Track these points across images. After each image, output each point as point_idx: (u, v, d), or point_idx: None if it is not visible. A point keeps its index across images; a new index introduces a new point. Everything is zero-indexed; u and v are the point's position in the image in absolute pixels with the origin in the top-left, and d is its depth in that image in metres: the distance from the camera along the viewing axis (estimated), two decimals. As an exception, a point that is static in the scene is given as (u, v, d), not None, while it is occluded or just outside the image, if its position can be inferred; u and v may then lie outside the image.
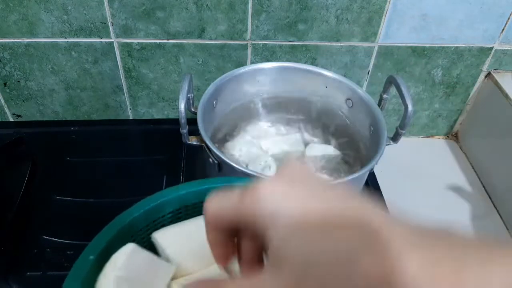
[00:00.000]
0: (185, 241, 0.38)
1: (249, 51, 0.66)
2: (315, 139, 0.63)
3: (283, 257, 0.20)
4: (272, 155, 0.58)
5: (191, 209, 0.42)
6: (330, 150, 0.59)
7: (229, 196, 0.24)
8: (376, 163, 0.48)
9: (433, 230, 0.19)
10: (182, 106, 0.48)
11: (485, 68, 0.70)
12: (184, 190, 0.40)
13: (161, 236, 0.38)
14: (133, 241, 0.37)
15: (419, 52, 0.67)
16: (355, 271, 0.17)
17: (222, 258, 0.26)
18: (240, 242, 0.25)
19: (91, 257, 0.33)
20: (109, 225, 0.37)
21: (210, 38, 0.65)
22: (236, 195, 0.23)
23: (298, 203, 0.21)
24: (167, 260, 0.37)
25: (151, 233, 0.39)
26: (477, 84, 0.72)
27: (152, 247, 0.39)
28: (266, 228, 0.21)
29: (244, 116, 0.62)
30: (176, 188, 0.40)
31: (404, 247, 0.17)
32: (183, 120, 0.48)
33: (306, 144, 0.61)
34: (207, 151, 0.49)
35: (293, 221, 0.20)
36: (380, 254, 0.17)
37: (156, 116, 0.76)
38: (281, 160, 0.58)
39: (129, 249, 0.35)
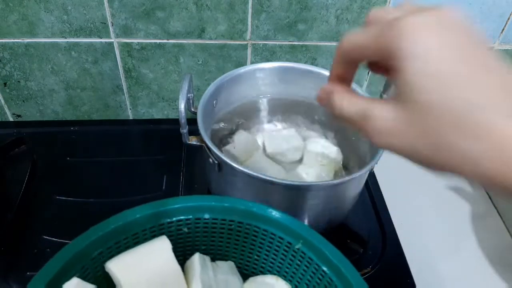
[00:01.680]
0: (140, 269, 0.36)
1: (249, 51, 0.66)
2: (314, 133, 0.63)
3: (414, 95, 0.21)
4: (270, 153, 0.58)
5: (149, 233, 0.40)
6: (332, 149, 0.59)
7: (366, 30, 0.24)
8: (376, 163, 0.48)
9: None
10: (182, 106, 0.48)
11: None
12: (137, 214, 0.39)
13: (115, 266, 0.36)
14: (86, 269, 0.36)
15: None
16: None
17: (339, 79, 0.29)
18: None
19: (42, 286, 0.32)
20: (61, 252, 0.35)
21: (210, 38, 0.65)
22: (379, 27, 0.23)
23: (447, 56, 0.21)
24: None
25: (106, 259, 0.38)
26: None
27: (107, 275, 0.37)
28: (406, 63, 0.21)
29: (244, 116, 0.62)
30: (129, 213, 0.39)
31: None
32: (183, 120, 0.48)
33: (304, 139, 0.61)
34: (207, 151, 0.49)
35: (438, 72, 0.21)
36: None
37: (156, 116, 0.76)
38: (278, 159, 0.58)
39: (73, 284, 0.34)
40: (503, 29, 0.65)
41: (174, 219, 0.40)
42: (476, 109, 0.20)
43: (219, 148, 0.51)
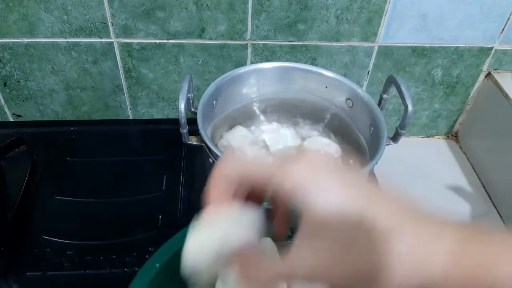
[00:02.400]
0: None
1: (249, 51, 0.66)
2: (314, 133, 0.63)
3: (320, 234, 0.23)
4: (272, 151, 0.58)
5: None
6: (329, 143, 0.59)
7: (258, 163, 0.27)
8: (376, 163, 0.48)
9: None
10: (182, 106, 0.48)
11: (485, 68, 0.70)
12: None
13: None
14: None
15: (419, 52, 0.67)
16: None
17: (218, 201, 0.29)
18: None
19: (157, 265, 0.34)
20: (179, 234, 0.36)
21: (210, 38, 0.65)
22: (269, 167, 0.26)
23: (334, 194, 0.23)
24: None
25: None
26: (477, 84, 0.72)
27: None
28: (300, 204, 0.24)
29: (244, 116, 0.62)
30: None
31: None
32: (183, 120, 0.48)
33: (304, 138, 0.61)
34: (207, 151, 0.49)
35: (329, 212, 0.23)
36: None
37: (156, 116, 0.76)
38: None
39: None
40: (503, 29, 0.65)
41: None
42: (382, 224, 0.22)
43: (219, 148, 0.51)
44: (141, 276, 0.33)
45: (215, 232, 0.28)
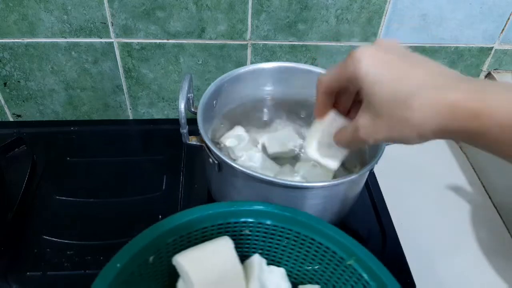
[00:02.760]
0: (205, 263, 0.39)
1: (249, 51, 0.66)
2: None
3: (371, 98, 0.33)
4: (271, 153, 0.58)
5: (216, 229, 0.43)
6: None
7: (334, 68, 0.37)
8: (376, 163, 0.48)
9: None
10: (182, 106, 0.48)
11: (485, 68, 0.70)
12: (211, 210, 0.42)
13: (183, 259, 0.39)
14: (160, 253, 0.39)
15: (419, 52, 0.67)
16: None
17: (323, 112, 0.41)
18: (341, 98, 0.41)
19: (118, 265, 0.35)
20: (139, 236, 0.38)
21: (210, 38, 0.65)
22: (341, 64, 0.35)
23: (385, 69, 0.33)
24: (190, 284, 0.38)
25: (176, 248, 0.40)
26: (477, 84, 0.72)
27: (173, 267, 0.40)
28: (362, 82, 0.33)
29: (244, 116, 0.62)
30: (204, 208, 0.41)
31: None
32: (183, 120, 0.48)
33: (303, 139, 0.61)
34: (207, 151, 0.49)
35: (378, 81, 0.33)
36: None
37: (156, 116, 0.76)
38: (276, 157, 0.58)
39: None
40: (503, 29, 0.65)
41: (240, 219, 0.43)
42: (404, 93, 0.31)
43: (219, 148, 0.51)
44: (102, 276, 0.34)
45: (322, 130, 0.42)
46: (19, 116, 0.73)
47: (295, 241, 0.44)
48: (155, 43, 0.65)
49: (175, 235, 0.40)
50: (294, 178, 0.53)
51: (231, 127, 0.61)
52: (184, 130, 0.50)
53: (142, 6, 0.61)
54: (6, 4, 0.59)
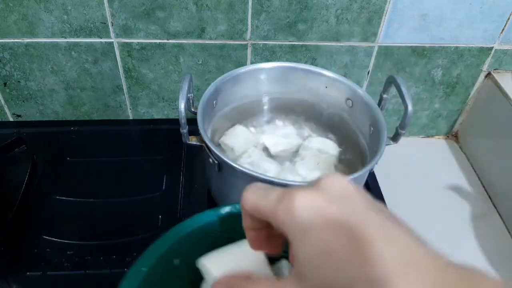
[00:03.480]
0: (233, 267, 0.36)
1: (249, 51, 0.66)
2: (314, 133, 0.63)
3: (306, 274, 0.22)
4: (273, 153, 0.58)
5: (238, 230, 0.41)
6: (329, 144, 0.59)
7: (267, 195, 0.25)
8: (376, 163, 0.48)
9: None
10: (182, 106, 0.48)
11: (485, 68, 0.70)
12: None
13: (209, 262, 0.37)
14: (184, 256, 0.37)
15: (419, 52, 0.67)
16: None
17: (256, 242, 0.29)
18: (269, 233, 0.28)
19: (144, 269, 0.34)
20: (162, 238, 0.37)
21: (210, 38, 0.65)
22: (274, 197, 0.24)
23: (331, 228, 0.21)
24: None
25: (201, 249, 0.38)
26: (477, 84, 0.72)
27: (197, 270, 0.38)
28: (295, 242, 0.22)
29: (244, 116, 0.62)
30: (233, 206, 0.39)
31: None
32: (183, 120, 0.48)
33: (304, 138, 0.61)
34: (207, 151, 0.49)
35: (322, 247, 0.21)
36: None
37: (156, 116, 0.76)
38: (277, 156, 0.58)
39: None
40: (503, 29, 0.65)
41: None
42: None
43: (219, 148, 0.51)
44: (128, 281, 0.33)
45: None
46: (19, 116, 0.73)
47: None
48: (155, 43, 0.65)
49: (201, 235, 0.38)
50: (295, 177, 0.53)
51: (231, 126, 0.61)
52: (184, 130, 0.50)
53: (142, 6, 0.61)
54: (6, 4, 0.59)
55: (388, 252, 0.20)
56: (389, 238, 0.21)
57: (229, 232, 0.40)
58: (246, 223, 0.28)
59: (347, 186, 0.23)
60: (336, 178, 0.23)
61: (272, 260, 0.40)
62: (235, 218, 0.40)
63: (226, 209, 0.39)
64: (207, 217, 0.39)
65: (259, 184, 0.26)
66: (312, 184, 0.24)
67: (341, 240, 0.21)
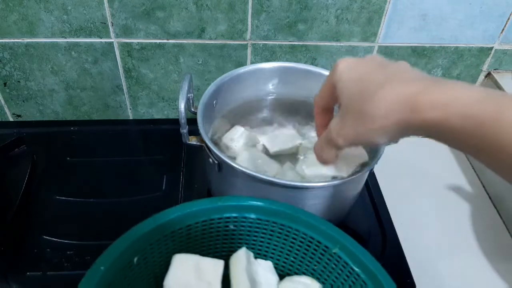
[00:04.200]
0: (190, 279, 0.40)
1: (249, 51, 0.66)
2: (314, 133, 0.63)
3: (342, 99, 0.35)
4: (273, 152, 0.58)
5: (200, 226, 0.43)
6: None
7: (324, 82, 0.38)
8: (376, 163, 0.48)
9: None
10: (182, 106, 0.48)
11: (485, 68, 0.70)
12: (194, 207, 0.42)
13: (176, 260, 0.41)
14: (143, 255, 0.39)
15: (419, 52, 0.67)
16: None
17: (323, 127, 0.40)
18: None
19: (102, 268, 0.35)
20: (122, 237, 0.38)
21: (210, 38, 0.65)
22: (327, 77, 0.38)
23: (357, 72, 0.35)
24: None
25: (161, 247, 0.41)
26: (477, 84, 0.72)
27: (158, 267, 0.41)
28: (336, 86, 0.36)
29: (244, 116, 0.62)
30: (187, 205, 0.41)
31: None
32: (183, 120, 0.48)
33: (304, 138, 0.61)
34: (207, 151, 0.49)
35: (352, 78, 0.35)
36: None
37: (156, 116, 0.76)
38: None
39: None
40: (503, 29, 0.65)
41: (223, 215, 0.43)
42: (370, 88, 0.32)
43: (219, 148, 0.51)
44: (87, 280, 0.34)
45: None
46: (19, 116, 0.73)
47: (279, 233, 0.44)
48: (155, 43, 0.65)
49: (159, 235, 0.40)
50: (295, 177, 0.53)
51: (231, 127, 0.61)
52: (184, 130, 0.50)
53: (142, 6, 0.61)
54: (6, 4, 0.59)
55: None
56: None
57: (189, 228, 0.42)
58: (318, 118, 0.41)
59: (379, 57, 0.37)
60: (374, 55, 0.39)
61: (229, 253, 0.43)
62: (194, 215, 0.42)
63: (184, 207, 0.41)
64: (167, 215, 0.40)
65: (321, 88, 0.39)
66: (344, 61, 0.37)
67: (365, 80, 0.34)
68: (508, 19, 0.64)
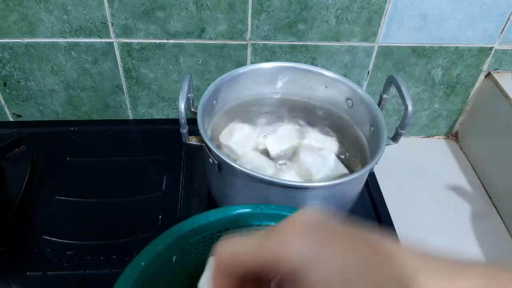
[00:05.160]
0: None
1: (249, 51, 0.66)
2: (314, 133, 0.63)
3: None
4: (274, 155, 0.58)
5: (238, 232, 0.42)
6: (328, 141, 0.59)
7: (247, 240, 0.24)
8: (376, 163, 0.48)
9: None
10: (182, 106, 0.48)
11: (485, 68, 0.70)
12: (234, 211, 0.41)
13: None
14: (181, 254, 0.39)
15: (419, 52, 0.67)
16: None
17: None
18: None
19: (142, 263, 0.35)
20: (163, 235, 0.38)
21: (210, 38, 0.65)
22: (257, 238, 0.23)
23: (334, 255, 0.21)
24: None
25: (199, 249, 0.40)
26: (477, 84, 0.72)
27: (194, 269, 0.40)
28: (296, 273, 0.21)
29: (244, 116, 0.62)
30: (227, 209, 0.41)
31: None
32: (183, 120, 0.48)
33: (303, 138, 0.61)
34: (207, 151, 0.49)
35: (330, 275, 0.20)
36: None
37: (156, 116, 0.76)
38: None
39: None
40: (503, 29, 0.65)
41: (263, 223, 0.42)
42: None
43: (219, 148, 0.51)
44: (127, 274, 0.34)
45: None
46: (19, 116, 0.73)
47: None
48: (155, 43, 0.65)
49: (198, 236, 0.40)
50: (295, 177, 0.53)
51: (231, 126, 0.61)
52: (184, 130, 0.50)
53: (142, 6, 0.61)
54: (6, 4, 0.59)
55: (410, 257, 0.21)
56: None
57: (227, 233, 0.41)
58: (219, 284, 0.24)
59: (324, 218, 0.23)
60: (312, 212, 0.23)
61: None
62: (235, 219, 0.41)
63: (226, 210, 0.41)
64: (208, 217, 0.40)
65: (231, 236, 0.24)
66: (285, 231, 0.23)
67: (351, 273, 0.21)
68: (508, 19, 0.64)
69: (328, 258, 0.21)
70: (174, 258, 0.38)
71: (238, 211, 0.41)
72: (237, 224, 0.42)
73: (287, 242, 0.22)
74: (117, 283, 0.33)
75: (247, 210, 0.41)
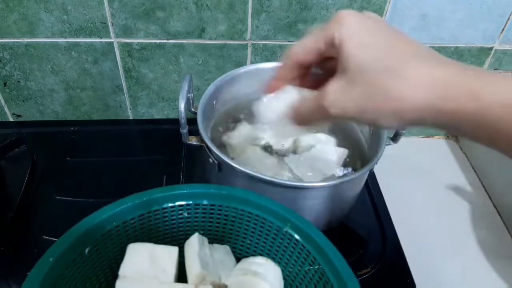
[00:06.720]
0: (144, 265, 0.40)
1: (249, 51, 0.66)
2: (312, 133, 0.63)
3: (351, 62, 0.28)
4: (271, 151, 0.58)
5: (153, 215, 0.43)
6: (325, 138, 0.59)
7: (313, 34, 0.32)
8: (376, 163, 0.48)
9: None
10: (182, 106, 0.48)
11: (485, 68, 0.70)
12: (144, 197, 0.42)
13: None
14: (95, 245, 0.40)
15: (419, 52, 0.67)
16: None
17: (283, 82, 0.35)
18: (307, 78, 0.35)
19: (51, 259, 0.36)
20: (72, 229, 0.39)
21: (210, 38, 0.65)
22: (321, 28, 0.31)
23: (371, 36, 0.29)
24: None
25: (114, 238, 0.41)
26: (477, 84, 0.72)
27: (113, 257, 0.41)
28: (342, 45, 0.29)
29: (244, 116, 0.62)
30: (137, 196, 0.42)
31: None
32: (183, 120, 0.48)
33: (303, 137, 0.61)
34: (207, 151, 0.49)
35: (366, 43, 0.28)
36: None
37: (156, 116, 0.76)
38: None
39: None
40: (503, 29, 0.65)
41: (175, 203, 0.43)
42: (395, 60, 0.27)
43: (219, 148, 0.51)
44: (35, 272, 0.35)
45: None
46: (19, 116, 0.73)
47: (233, 217, 0.44)
48: (155, 43, 0.65)
49: (110, 225, 0.41)
50: (295, 174, 0.53)
51: (231, 126, 0.61)
52: (184, 130, 0.50)
53: (142, 6, 0.61)
54: (6, 4, 0.59)
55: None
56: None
57: (141, 218, 0.43)
58: (282, 73, 0.34)
59: (382, 19, 0.31)
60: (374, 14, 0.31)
61: (184, 241, 0.44)
62: (146, 204, 0.42)
63: (135, 197, 0.42)
64: (118, 205, 0.41)
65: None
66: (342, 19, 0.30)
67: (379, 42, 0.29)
68: (508, 19, 0.64)
69: (365, 37, 0.29)
70: (87, 250, 0.39)
71: (146, 197, 0.42)
72: (151, 208, 0.42)
73: (341, 27, 0.29)
74: (25, 282, 0.34)
75: (157, 194, 0.42)
